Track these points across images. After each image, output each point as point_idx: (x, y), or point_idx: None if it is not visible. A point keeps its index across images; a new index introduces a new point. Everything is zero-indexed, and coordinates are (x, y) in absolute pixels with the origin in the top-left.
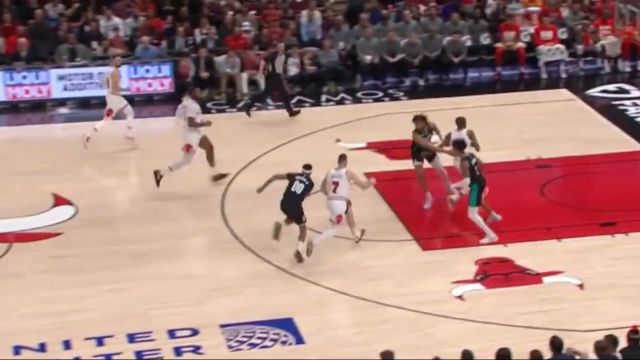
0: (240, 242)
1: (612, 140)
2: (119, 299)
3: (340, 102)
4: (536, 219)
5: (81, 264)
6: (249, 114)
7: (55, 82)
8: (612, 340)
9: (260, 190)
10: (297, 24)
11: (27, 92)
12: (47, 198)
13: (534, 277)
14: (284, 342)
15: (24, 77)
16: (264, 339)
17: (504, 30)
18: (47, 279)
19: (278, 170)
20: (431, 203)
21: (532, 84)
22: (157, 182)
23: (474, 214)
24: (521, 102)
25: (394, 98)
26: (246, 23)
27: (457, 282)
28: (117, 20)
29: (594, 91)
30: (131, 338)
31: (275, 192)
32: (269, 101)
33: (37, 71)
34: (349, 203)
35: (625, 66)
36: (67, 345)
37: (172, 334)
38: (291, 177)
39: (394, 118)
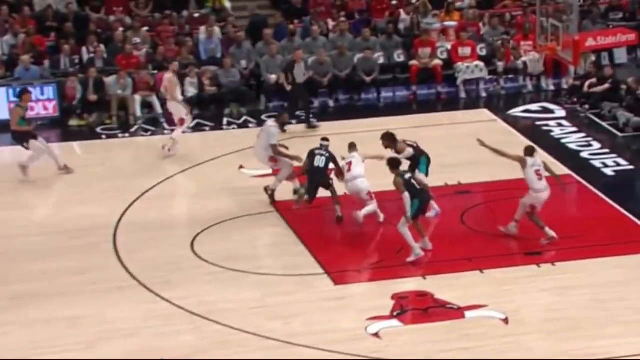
0: (135, 279)
1: None
2: None
3: (244, 125)
4: (457, 249)
5: None
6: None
7: None
8: None
9: (305, 171)
10: (195, 41)
11: None
12: None
13: (455, 312)
14: None
15: None
16: None
17: (419, 46)
18: None
19: (174, 202)
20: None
21: (450, 104)
22: (271, 197)
23: (404, 227)
24: (439, 123)
25: (302, 121)
26: (138, 40)
27: (373, 318)
28: None
29: (516, 111)
30: None
31: (170, 225)
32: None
33: None
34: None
35: (548, 84)
36: None
37: None
38: (311, 154)
39: (303, 142)
